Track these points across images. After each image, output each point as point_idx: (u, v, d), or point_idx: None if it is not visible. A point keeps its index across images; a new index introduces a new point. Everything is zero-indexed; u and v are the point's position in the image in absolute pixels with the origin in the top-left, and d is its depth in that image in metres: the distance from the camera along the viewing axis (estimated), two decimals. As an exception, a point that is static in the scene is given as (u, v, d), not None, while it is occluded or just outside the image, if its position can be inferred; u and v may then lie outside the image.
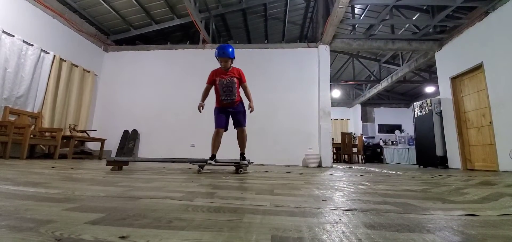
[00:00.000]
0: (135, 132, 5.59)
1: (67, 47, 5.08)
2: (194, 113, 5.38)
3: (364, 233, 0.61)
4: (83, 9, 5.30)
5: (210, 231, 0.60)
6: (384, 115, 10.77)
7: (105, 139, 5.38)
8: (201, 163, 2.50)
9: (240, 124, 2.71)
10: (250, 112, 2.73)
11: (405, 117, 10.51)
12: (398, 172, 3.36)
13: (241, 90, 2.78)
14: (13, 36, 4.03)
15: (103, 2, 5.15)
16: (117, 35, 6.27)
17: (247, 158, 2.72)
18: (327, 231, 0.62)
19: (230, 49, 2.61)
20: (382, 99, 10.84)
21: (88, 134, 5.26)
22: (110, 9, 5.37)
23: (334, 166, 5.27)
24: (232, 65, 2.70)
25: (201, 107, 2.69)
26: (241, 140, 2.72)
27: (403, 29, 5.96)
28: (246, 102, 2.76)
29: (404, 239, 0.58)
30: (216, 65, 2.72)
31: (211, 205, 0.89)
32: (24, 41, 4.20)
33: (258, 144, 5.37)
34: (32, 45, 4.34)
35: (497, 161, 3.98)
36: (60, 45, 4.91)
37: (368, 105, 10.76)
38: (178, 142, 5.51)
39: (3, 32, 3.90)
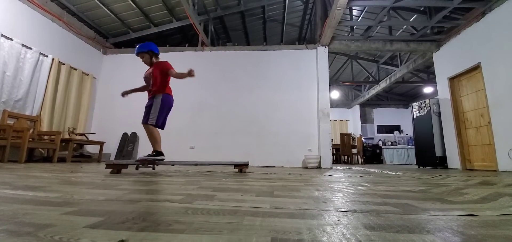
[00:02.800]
0: (134, 134, 5.58)
1: (66, 50, 5.07)
2: (194, 115, 5.38)
3: (364, 235, 0.61)
4: (82, 12, 5.31)
5: (210, 233, 0.60)
6: (383, 115, 10.79)
7: (104, 142, 5.36)
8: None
9: (142, 119, 2.67)
10: (188, 73, 2.48)
11: (404, 118, 10.53)
12: (397, 173, 3.37)
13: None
14: (11, 39, 4.02)
15: (102, 5, 5.16)
16: (116, 38, 6.27)
17: (158, 156, 2.58)
18: (327, 232, 0.62)
19: (137, 46, 2.78)
20: (381, 100, 10.87)
21: (87, 137, 5.24)
22: (109, 12, 5.37)
23: (333, 167, 5.27)
24: (154, 59, 2.82)
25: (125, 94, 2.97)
26: (148, 137, 2.63)
27: (401, 30, 5.99)
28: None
29: (404, 240, 0.58)
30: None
31: (210, 208, 0.89)
32: (22, 45, 4.19)
33: (257, 145, 5.37)
34: (31, 48, 4.33)
35: (496, 161, 3.99)
36: (59, 48, 4.91)
37: (367, 106, 10.78)
38: (177, 144, 5.51)
39: (2, 35, 3.89)
